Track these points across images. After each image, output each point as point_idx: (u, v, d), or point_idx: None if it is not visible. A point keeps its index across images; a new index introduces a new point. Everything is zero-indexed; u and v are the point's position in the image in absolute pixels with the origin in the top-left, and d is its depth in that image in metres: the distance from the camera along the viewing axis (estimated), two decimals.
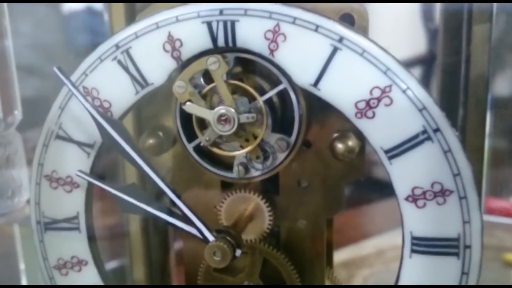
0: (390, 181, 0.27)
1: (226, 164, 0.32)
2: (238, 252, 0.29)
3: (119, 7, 0.37)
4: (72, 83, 0.28)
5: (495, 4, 0.32)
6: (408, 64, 0.28)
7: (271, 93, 0.29)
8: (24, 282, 0.47)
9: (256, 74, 0.30)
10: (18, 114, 0.43)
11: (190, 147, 0.31)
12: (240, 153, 0.31)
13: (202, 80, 0.29)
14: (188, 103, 0.28)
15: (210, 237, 0.28)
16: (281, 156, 0.31)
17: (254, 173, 0.32)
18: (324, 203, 0.33)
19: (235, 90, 0.29)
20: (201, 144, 0.30)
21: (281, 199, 0.34)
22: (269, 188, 0.34)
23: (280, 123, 0.31)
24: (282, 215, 0.34)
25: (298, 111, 0.30)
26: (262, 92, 0.29)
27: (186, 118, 0.30)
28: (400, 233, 0.29)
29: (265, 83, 0.31)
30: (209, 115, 0.28)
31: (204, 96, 0.28)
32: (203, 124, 0.30)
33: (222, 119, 0.28)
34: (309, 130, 0.32)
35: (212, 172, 0.32)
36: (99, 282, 0.33)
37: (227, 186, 0.35)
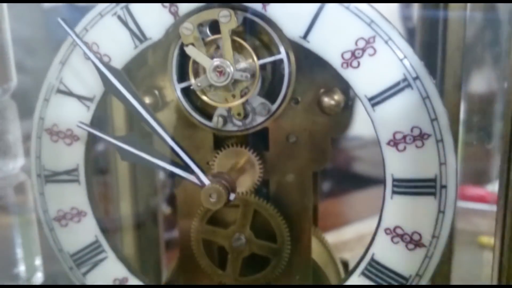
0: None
1: (207, 113, 0.34)
2: (232, 196, 0.31)
3: None
4: (76, 34, 0.30)
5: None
6: None
7: (269, 59, 0.32)
8: (22, 268, 0.48)
9: (254, 37, 0.32)
10: (13, 82, 0.45)
11: (178, 87, 0.33)
12: (224, 106, 0.32)
13: (208, 29, 0.30)
14: (190, 46, 0.30)
15: (206, 181, 0.30)
16: (259, 119, 0.33)
17: (231, 127, 0.34)
18: (311, 157, 0.35)
19: (235, 47, 0.30)
20: (191, 87, 0.31)
21: (271, 154, 0.36)
22: (259, 143, 0.36)
23: (267, 89, 0.33)
24: (272, 169, 0.36)
25: (288, 68, 0.32)
26: (258, 55, 0.31)
27: (181, 60, 0.32)
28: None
29: (262, 48, 0.32)
30: (207, 63, 0.30)
31: (205, 44, 0.30)
32: (197, 70, 0.31)
33: (218, 70, 0.30)
34: (297, 87, 0.34)
35: (191, 116, 0.34)
36: (97, 232, 0.35)
37: (219, 143, 0.37)
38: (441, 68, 0.33)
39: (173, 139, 0.30)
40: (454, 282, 0.54)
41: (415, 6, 0.46)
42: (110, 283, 0.35)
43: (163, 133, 0.30)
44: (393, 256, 0.31)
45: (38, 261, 0.48)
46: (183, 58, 0.32)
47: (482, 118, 0.49)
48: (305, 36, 0.29)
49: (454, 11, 0.34)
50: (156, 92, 0.36)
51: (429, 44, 0.35)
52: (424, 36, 0.35)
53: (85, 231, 0.35)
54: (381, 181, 0.31)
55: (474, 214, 0.64)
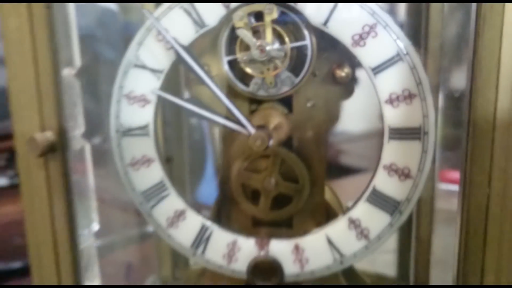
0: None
1: (244, 82, 0.44)
2: (271, 142, 0.41)
3: None
4: (157, 21, 0.40)
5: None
6: None
7: (298, 44, 0.41)
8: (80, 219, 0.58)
9: (284, 25, 0.42)
10: (77, 62, 0.55)
11: (225, 59, 0.43)
12: (260, 76, 0.43)
13: (253, 17, 0.41)
14: (241, 28, 0.40)
15: (253, 130, 0.41)
16: (285, 88, 0.43)
17: (263, 93, 0.44)
18: (326, 118, 0.46)
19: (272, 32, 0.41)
20: (238, 59, 0.41)
21: (294, 116, 0.46)
22: (285, 107, 0.46)
23: (292, 65, 0.43)
24: (295, 127, 0.46)
25: (311, 49, 0.43)
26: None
27: (228, 41, 0.42)
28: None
29: (290, 33, 0.43)
30: (252, 42, 0.40)
31: (251, 28, 0.41)
32: (241, 48, 0.42)
33: (260, 48, 0.40)
34: (316, 63, 0.44)
35: (233, 83, 0.44)
36: (162, 175, 0.45)
37: (253, 110, 0.47)
38: (424, 52, 0.44)
39: (228, 98, 0.41)
40: (434, 250, 0.66)
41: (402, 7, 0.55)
42: (171, 214, 0.46)
43: (220, 94, 0.41)
44: (389, 186, 0.42)
45: (94, 215, 0.58)
46: (229, 39, 0.43)
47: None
48: (325, 23, 0.40)
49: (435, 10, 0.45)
50: (205, 67, 0.46)
51: (414, 34, 0.46)
52: (410, 29, 0.46)
53: (152, 174, 0.45)
54: (364, 170, 0.41)
55: (454, 195, 0.75)
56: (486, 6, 0.35)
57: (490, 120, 0.36)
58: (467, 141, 0.38)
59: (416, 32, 0.44)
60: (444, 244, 0.56)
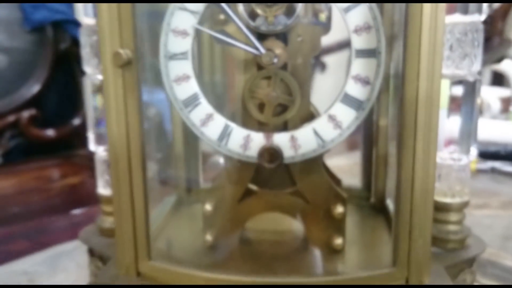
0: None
1: (252, 20, 0.62)
2: (276, 60, 0.60)
3: None
4: None
5: None
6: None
7: None
8: None
9: None
10: None
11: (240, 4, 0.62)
12: (264, 15, 0.62)
13: None
14: None
15: (263, 51, 0.60)
16: (280, 27, 0.63)
17: (264, 28, 0.62)
18: (310, 48, 0.65)
19: None
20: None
21: (288, 47, 0.65)
22: (283, 41, 0.65)
23: (288, 11, 0.62)
24: (289, 56, 0.65)
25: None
26: None
27: None
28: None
29: None
30: None
31: None
32: None
33: None
34: (304, 11, 0.63)
35: (243, 18, 0.62)
36: (196, 89, 0.64)
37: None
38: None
39: (245, 26, 0.60)
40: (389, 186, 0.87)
41: None
42: (203, 117, 0.64)
43: (241, 25, 0.59)
44: (356, 90, 0.61)
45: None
46: None
47: None
48: None
49: None
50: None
51: None
52: None
53: (190, 87, 0.63)
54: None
55: None
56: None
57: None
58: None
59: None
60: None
